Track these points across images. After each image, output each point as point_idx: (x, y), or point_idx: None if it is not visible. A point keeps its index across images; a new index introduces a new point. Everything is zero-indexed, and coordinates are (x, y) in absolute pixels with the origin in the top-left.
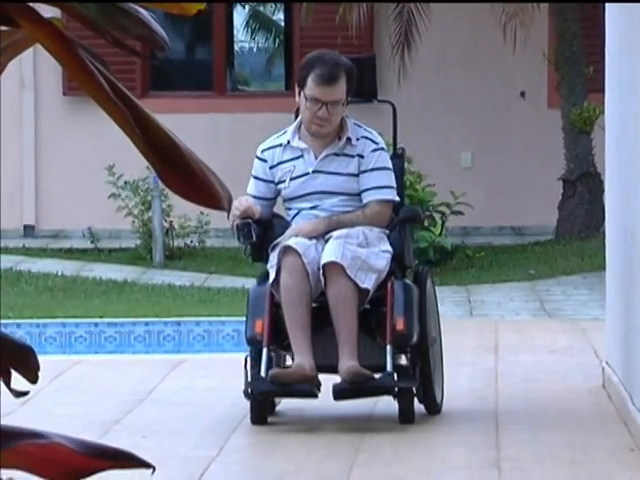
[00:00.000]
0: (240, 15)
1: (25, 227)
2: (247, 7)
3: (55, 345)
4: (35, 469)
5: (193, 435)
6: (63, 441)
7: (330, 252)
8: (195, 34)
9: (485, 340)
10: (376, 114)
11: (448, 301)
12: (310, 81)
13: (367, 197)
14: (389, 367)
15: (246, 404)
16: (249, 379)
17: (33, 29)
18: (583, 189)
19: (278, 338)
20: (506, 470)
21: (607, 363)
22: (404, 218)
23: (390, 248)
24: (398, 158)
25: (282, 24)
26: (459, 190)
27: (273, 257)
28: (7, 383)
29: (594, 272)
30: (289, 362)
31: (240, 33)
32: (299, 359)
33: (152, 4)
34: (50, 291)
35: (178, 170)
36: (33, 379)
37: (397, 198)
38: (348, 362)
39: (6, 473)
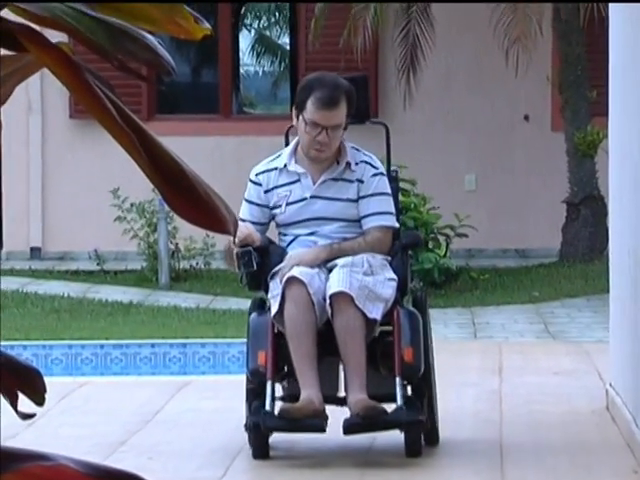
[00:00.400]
0: (246, 39)
1: (32, 249)
2: (253, 31)
3: (61, 367)
4: None
5: (198, 456)
6: (69, 463)
7: (337, 282)
8: (201, 58)
9: (489, 362)
10: (372, 136)
11: (452, 323)
12: (310, 105)
13: (367, 223)
14: (399, 401)
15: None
16: (251, 412)
17: (40, 53)
18: (587, 212)
19: (278, 369)
20: None
21: (611, 385)
22: (407, 244)
23: (394, 275)
24: (393, 181)
25: (287, 47)
26: (463, 212)
27: (274, 286)
28: (14, 405)
29: (598, 295)
30: (279, 392)
31: (246, 56)
32: (307, 393)
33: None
34: (56, 313)
35: (184, 194)
36: (39, 401)
37: (397, 225)
38: (358, 395)
39: None
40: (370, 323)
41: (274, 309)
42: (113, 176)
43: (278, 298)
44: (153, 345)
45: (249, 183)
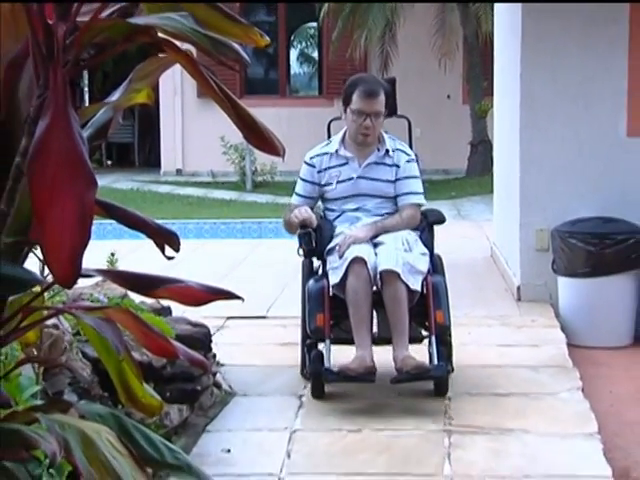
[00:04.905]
0: (294, 54)
1: (177, 170)
2: (298, 49)
3: (193, 234)
4: (178, 299)
5: (266, 282)
6: (194, 284)
7: (387, 260)
8: (269, 63)
9: None
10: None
11: None
12: (355, 97)
13: (402, 200)
14: (435, 359)
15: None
16: (311, 361)
17: (175, 55)
18: (481, 149)
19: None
20: None
21: (494, 244)
22: (433, 222)
23: (425, 250)
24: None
25: (316, 59)
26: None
27: (333, 260)
28: (162, 252)
29: (487, 194)
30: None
31: (294, 64)
32: (361, 352)
33: (237, 39)
34: (190, 205)
35: (256, 135)
36: (177, 250)
37: (425, 202)
38: (405, 352)
39: (164, 302)
40: (412, 293)
41: (334, 280)
42: (221, 129)
43: (339, 272)
44: (242, 222)
45: (304, 165)
